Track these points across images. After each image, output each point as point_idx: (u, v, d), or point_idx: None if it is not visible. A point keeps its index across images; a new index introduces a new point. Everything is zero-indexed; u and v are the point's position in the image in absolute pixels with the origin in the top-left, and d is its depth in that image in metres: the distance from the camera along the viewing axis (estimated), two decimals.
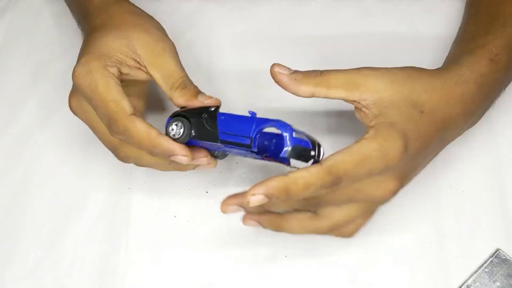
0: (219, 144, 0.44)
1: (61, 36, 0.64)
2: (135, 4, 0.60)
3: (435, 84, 0.44)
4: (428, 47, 0.51)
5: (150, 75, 0.47)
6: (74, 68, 0.46)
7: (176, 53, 0.48)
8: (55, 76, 0.61)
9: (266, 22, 0.62)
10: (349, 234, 0.46)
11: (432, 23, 0.60)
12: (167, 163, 0.47)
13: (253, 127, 0.42)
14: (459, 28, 0.55)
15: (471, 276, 0.49)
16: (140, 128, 0.43)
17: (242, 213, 0.52)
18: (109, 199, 0.54)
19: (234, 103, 0.58)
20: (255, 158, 0.48)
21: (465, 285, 0.49)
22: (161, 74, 0.47)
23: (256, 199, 0.39)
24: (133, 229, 0.53)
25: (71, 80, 0.61)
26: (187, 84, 0.47)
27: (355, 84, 0.43)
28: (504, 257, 0.50)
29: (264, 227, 0.45)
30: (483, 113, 0.50)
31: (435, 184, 0.53)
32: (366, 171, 0.40)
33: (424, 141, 0.43)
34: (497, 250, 0.50)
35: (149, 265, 0.52)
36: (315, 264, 0.51)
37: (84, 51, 0.47)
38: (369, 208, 0.45)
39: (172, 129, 0.45)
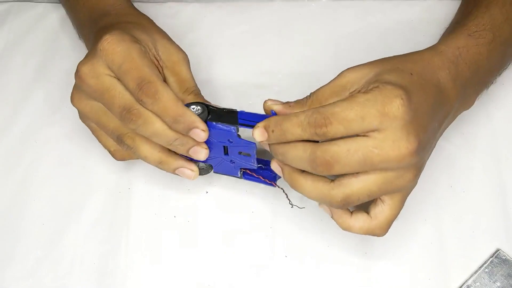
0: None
1: (63, 37, 0.64)
2: (137, 7, 0.60)
3: (413, 57, 0.46)
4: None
5: (164, 77, 0.50)
6: (103, 37, 0.46)
7: (189, 65, 0.52)
8: (57, 76, 0.62)
9: (266, 24, 0.63)
10: (380, 229, 0.45)
11: (432, 23, 0.60)
12: (160, 156, 0.48)
13: None
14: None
15: (471, 276, 0.49)
16: (171, 94, 0.45)
17: (236, 218, 0.53)
18: (109, 199, 0.54)
19: (234, 104, 0.58)
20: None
21: (465, 285, 0.49)
22: (176, 78, 0.50)
23: (257, 131, 0.44)
24: (133, 229, 0.53)
25: (72, 81, 0.61)
26: (199, 93, 0.50)
27: (340, 86, 0.44)
28: (504, 257, 0.50)
29: (284, 176, 0.45)
30: (477, 92, 0.50)
31: (435, 184, 0.53)
32: (357, 115, 0.40)
33: (425, 94, 0.43)
34: (497, 250, 0.50)
35: (149, 265, 0.52)
36: (315, 264, 0.51)
37: (112, 30, 0.47)
38: (391, 186, 0.42)
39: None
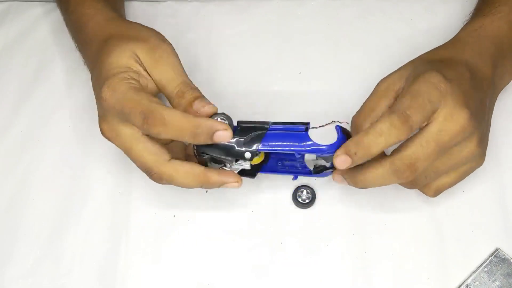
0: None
1: (63, 37, 0.64)
2: (137, 7, 0.60)
3: (437, 50, 0.50)
4: (428, 47, 0.51)
5: (155, 82, 0.48)
6: (101, 90, 0.46)
7: (176, 56, 0.48)
8: (56, 77, 0.61)
9: (266, 23, 0.63)
10: (428, 188, 0.48)
11: (432, 23, 0.60)
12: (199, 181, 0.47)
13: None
14: None
15: (471, 275, 0.49)
16: (177, 113, 0.44)
17: (236, 218, 0.53)
18: (108, 199, 0.54)
19: (234, 104, 0.58)
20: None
21: (464, 284, 0.49)
22: (163, 79, 0.47)
23: (340, 160, 0.44)
24: (133, 229, 0.53)
25: (72, 81, 0.61)
26: (185, 91, 0.47)
27: (383, 90, 0.47)
28: (503, 257, 0.50)
29: (357, 183, 0.47)
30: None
31: None
32: (424, 98, 0.43)
33: (458, 71, 0.46)
34: (497, 249, 0.50)
35: (149, 265, 0.52)
36: (315, 264, 0.51)
37: (101, 76, 0.47)
38: (454, 160, 0.45)
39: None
